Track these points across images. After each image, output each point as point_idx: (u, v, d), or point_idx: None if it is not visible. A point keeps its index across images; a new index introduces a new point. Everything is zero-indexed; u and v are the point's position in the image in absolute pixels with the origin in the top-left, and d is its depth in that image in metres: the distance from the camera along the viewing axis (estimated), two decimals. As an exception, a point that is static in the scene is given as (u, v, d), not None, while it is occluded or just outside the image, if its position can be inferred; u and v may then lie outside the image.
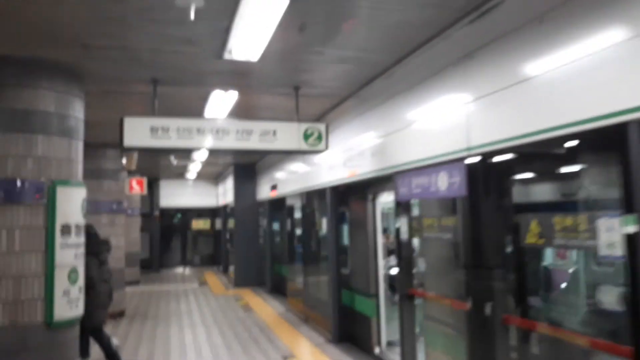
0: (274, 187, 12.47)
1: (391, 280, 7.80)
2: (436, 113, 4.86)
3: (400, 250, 5.80)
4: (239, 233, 15.03)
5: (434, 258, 5.48)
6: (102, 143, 10.11)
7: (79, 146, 5.56)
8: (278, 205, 12.96)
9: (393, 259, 8.44)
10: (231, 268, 15.79)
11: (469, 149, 4.27)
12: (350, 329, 7.92)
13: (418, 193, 5.09)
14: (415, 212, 5.67)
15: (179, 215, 21.75)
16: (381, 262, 7.27)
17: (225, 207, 18.15)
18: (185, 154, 12.49)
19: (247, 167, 15.17)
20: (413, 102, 5.29)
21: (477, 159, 4.22)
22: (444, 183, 4.52)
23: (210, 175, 19.34)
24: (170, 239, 21.43)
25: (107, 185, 10.68)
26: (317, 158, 8.81)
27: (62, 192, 5.13)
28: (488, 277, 4.31)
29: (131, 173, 13.86)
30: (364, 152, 6.64)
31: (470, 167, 4.22)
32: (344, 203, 8.13)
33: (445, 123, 4.68)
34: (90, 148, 7.76)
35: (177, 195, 20.72)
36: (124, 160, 11.12)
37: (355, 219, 7.89)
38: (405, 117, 5.46)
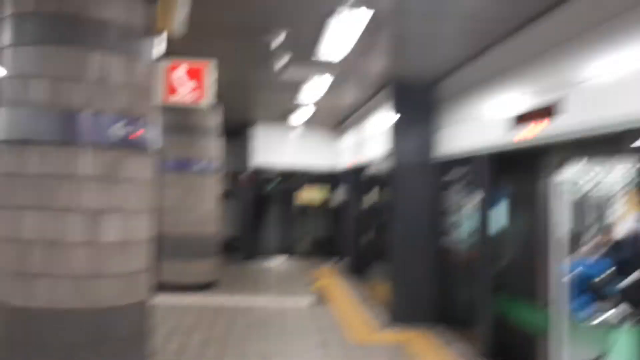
0: (523, 118, 4.93)
1: None
2: None
3: None
4: (401, 217, 7.61)
5: None
6: None
7: None
8: (529, 164, 5.31)
9: None
10: (369, 268, 8.45)
11: None
12: None
13: None
14: None
15: (279, 180, 14.63)
16: None
17: (357, 169, 10.84)
18: None
19: (416, 89, 7.65)
20: None
21: None
22: None
23: (332, 117, 12.04)
24: (266, 214, 14.38)
25: (104, 69, 3.67)
26: None
27: None
28: None
29: (173, 52, 5.62)
30: None
31: None
32: None
33: None
34: None
35: (276, 151, 13.63)
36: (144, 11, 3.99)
37: None
38: None
